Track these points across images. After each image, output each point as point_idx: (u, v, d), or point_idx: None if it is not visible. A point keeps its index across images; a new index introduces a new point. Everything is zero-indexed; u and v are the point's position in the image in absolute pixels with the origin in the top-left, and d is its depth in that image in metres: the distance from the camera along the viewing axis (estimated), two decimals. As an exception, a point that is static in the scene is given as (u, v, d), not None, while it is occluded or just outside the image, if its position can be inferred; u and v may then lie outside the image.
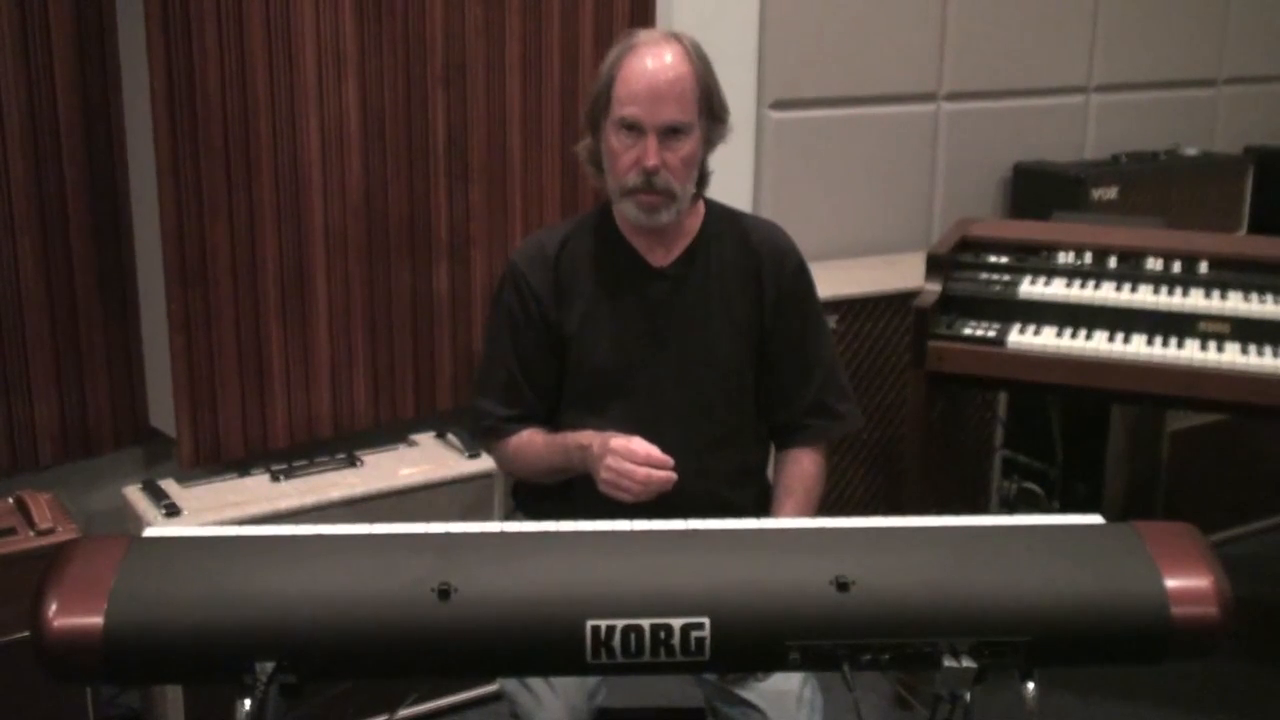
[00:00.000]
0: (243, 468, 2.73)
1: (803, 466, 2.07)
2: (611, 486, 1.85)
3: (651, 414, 1.99)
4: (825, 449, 2.11)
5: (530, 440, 2.04)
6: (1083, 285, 2.78)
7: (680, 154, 1.91)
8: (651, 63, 1.90)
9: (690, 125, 1.91)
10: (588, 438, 1.92)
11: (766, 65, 3.39)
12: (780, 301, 2.05)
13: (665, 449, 1.98)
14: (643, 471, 1.83)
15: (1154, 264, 2.81)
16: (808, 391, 2.08)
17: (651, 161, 1.88)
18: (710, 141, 1.99)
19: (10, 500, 2.44)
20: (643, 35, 1.95)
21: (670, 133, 1.89)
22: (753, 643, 1.29)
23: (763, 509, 2.07)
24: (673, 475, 1.84)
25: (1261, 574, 3.53)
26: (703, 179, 2.04)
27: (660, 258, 2.03)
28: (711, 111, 1.96)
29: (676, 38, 1.95)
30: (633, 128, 1.90)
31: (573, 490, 2.00)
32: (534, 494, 2.12)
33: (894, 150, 3.71)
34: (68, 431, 2.70)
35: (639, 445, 1.85)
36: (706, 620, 1.27)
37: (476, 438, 2.06)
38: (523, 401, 2.05)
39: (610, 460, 1.85)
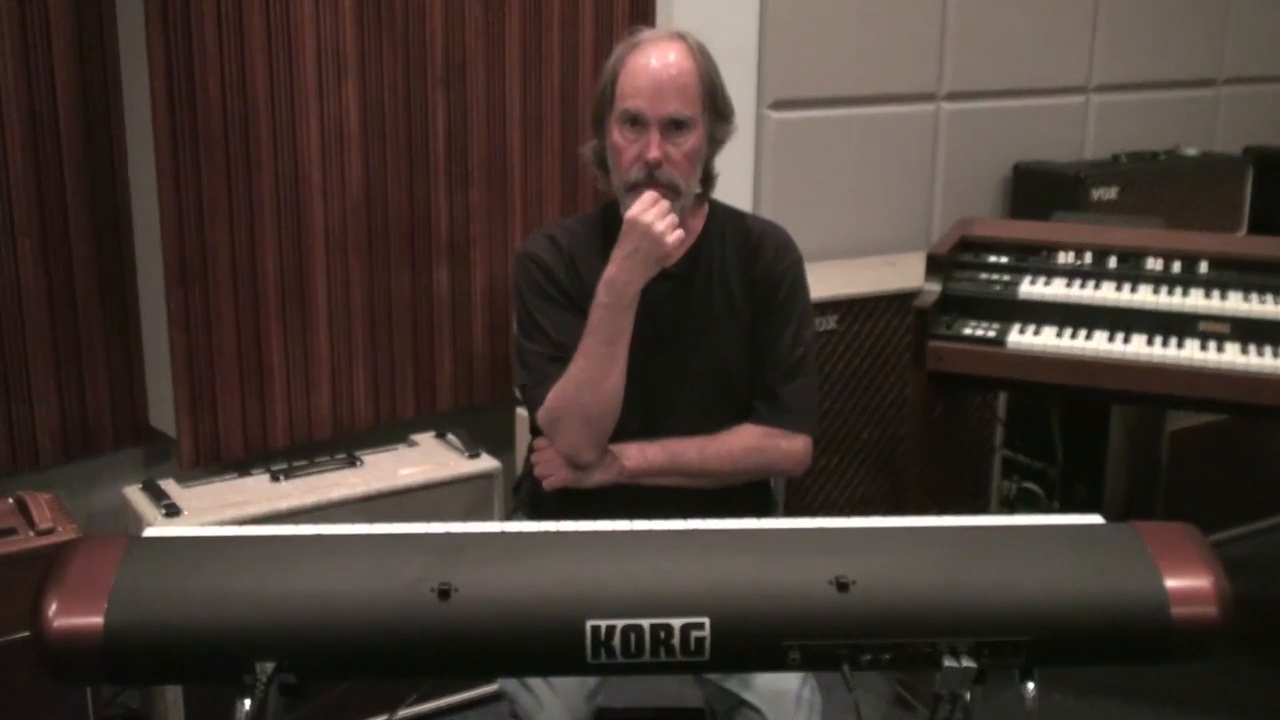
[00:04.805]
0: (243, 468, 2.72)
1: (737, 432, 2.01)
2: (661, 238, 1.84)
3: (654, 415, 1.99)
4: (779, 437, 2.02)
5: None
6: (1083, 285, 2.77)
7: (683, 148, 1.90)
8: (655, 58, 1.90)
9: (693, 119, 1.90)
10: (602, 280, 1.90)
11: (766, 65, 3.39)
12: (769, 290, 2.03)
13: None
14: (649, 217, 1.84)
15: (1154, 264, 2.80)
16: (761, 374, 2.02)
17: (653, 154, 1.88)
18: (715, 140, 1.98)
19: (10, 500, 2.44)
20: (647, 33, 1.96)
21: (673, 126, 1.89)
22: (753, 643, 1.29)
23: (763, 510, 2.07)
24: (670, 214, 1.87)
25: (1261, 574, 3.53)
26: (709, 181, 2.04)
27: (663, 258, 2.02)
28: (716, 109, 1.95)
29: (681, 36, 1.95)
30: (635, 121, 1.89)
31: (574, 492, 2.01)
32: (534, 493, 2.12)
33: (894, 150, 3.70)
34: (68, 431, 2.70)
35: (640, 212, 1.85)
36: (706, 620, 1.27)
37: (527, 390, 2.00)
38: (567, 349, 1.95)
39: (639, 233, 1.84)
